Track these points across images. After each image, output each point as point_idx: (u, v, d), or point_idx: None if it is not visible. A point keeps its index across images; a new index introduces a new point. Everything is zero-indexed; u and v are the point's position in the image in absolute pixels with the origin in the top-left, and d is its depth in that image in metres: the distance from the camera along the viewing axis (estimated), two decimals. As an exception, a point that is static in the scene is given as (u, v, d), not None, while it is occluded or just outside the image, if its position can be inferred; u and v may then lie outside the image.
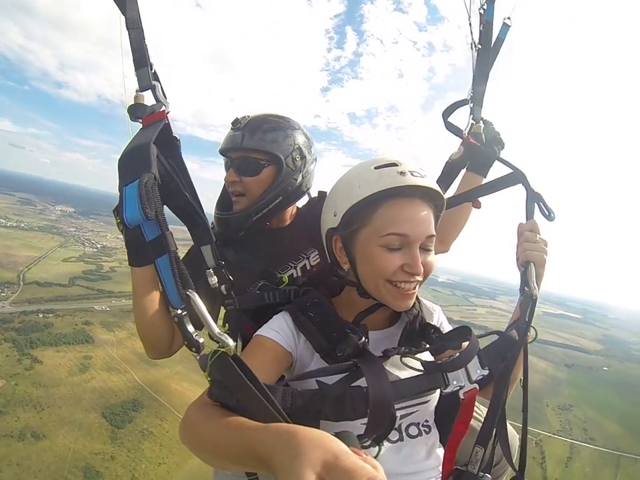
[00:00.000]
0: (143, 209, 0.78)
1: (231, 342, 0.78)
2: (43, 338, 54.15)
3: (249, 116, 1.65)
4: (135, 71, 1.07)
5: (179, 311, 0.82)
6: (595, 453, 53.09)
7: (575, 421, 59.92)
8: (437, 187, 1.11)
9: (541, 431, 54.01)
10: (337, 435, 0.66)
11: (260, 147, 1.59)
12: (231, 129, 1.64)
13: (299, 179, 1.67)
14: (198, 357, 0.81)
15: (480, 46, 1.61)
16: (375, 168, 1.12)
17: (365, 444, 0.96)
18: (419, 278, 1.10)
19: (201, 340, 0.82)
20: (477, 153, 1.62)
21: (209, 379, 0.82)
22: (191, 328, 0.83)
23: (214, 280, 1.38)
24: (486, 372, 1.06)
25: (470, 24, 1.63)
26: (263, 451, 0.66)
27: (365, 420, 0.93)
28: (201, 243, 1.37)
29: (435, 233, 1.11)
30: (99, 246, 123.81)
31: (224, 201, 1.76)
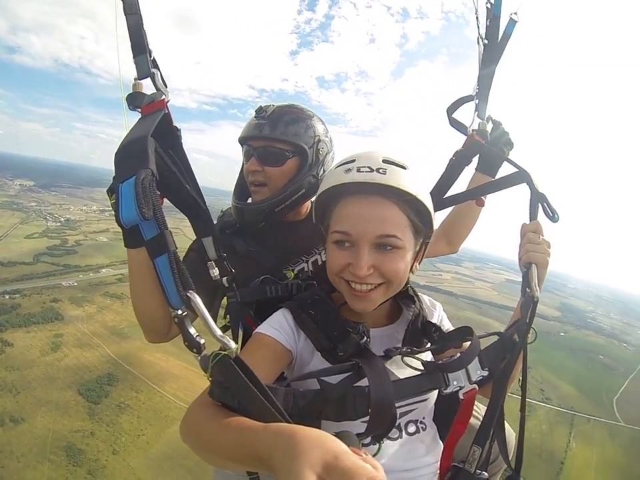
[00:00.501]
0: (139, 209, 0.74)
1: (232, 345, 0.77)
2: (12, 320, 52.43)
3: (273, 105, 1.63)
4: (134, 57, 1.04)
5: (179, 312, 0.80)
6: (551, 412, 56.72)
7: (532, 382, 63.29)
8: (387, 181, 1.02)
9: (500, 392, 57.32)
10: (337, 434, 0.67)
11: (286, 137, 1.58)
12: (255, 117, 1.62)
13: (321, 172, 1.66)
14: (199, 358, 0.80)
15: (486, 41, 1.55)
16: (335, 167, 1.12)
17: (365, 442, 0.99)
18: (373, 280, 1.07)
19: (202, 341, 0.81)
20: (483, 150, 1.58)
21: (210, 379, 0.82)
22: (192, 330, 0.81)
23: (215, 272, 1.40)
24: (486, 373, 1.08)
25: (477, 18, 1.57)
26: (263, 451, 0.66)
27: (366, 419, 0.94)
28: (202, 234, 1.38)
29: (393, 233, 1.04)
30: (62, 219, 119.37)
31: (242, 190, 1.75)
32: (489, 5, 1.53)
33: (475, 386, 1.07)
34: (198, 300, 0.79)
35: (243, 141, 1.67)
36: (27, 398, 37.90)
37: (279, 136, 1.57)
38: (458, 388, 1.05)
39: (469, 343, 1.12)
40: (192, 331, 0.81)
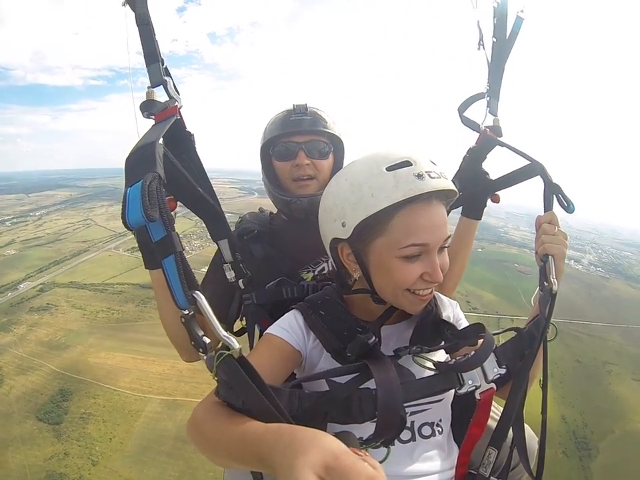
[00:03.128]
0: (144, 211, 0.73)
1: (236, 344, 0.77)
2: (-60, 371, 47.13)
3: (305, 103, 1.70)
4: (147, 66, 1.07)
5: (186, 312, 0.80)
6: (479, 319, 63.69)
7: (458, 297, 66.27)
8: (453, 186, 1.04)
9: (433, 310, 62.79)
10: (336, 435, 0.66)
11: (331, 130, 1.69)
12: (295, 113, 1.67)
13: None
14: (205, 357, 0.81)
15: (495, 39, 1.55)
16: (387, 169, 1.01)
17: (374, 446, 0.94)
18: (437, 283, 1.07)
19: (207, 340, 0.80)
20: (496, 145, 1.55)
21: (215, 378, 0.82)
22: (199, 331, 0.81)
23: (231, 274, 1.44)
24: (503, 371, 1.04)
25: (478, 22, 1.57)
26: (264, 451, 0.66)
27: (373, 421, 0.91)
28: (217, 237, 1.38)
29: (450, 234, 1.07)
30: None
31: (281, 184, 1.75)
32: (495, 4, 1.53)
33: (493, 385, 1.03)
34: (203, 300, 0.79)
35: (280, 137, 1.68)
36: (-10, 444, 35.97)
37: (325, 129, 1.68)
38: (474, 387, 1.01)
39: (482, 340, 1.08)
40: (199, 332, 0.81)
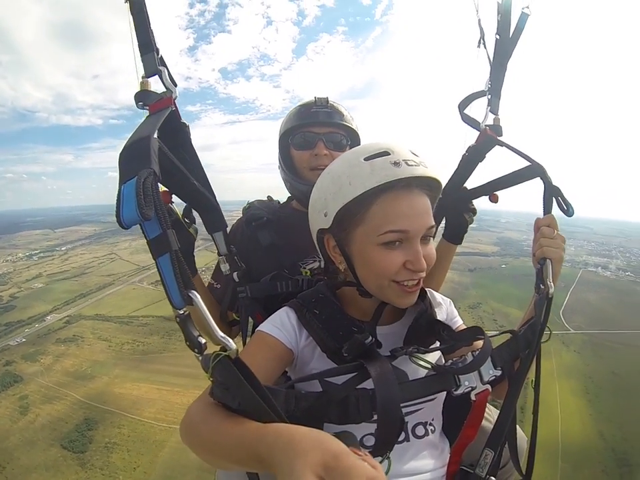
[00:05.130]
0: (139, 210, 0.70)
1: (233, 345, 0.75)
2: (-30, 398, 48.19)
3: (326, 96, 1.74)
4: (141, 56, 1.05)
5: (182, 312, 0.76)
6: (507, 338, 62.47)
7: (485, 316, 67.80)
8: (435, 175, 1.04)
9: (459, 332, 61.19)
10: (336, 435, 0.66)
11: (349, 124, 1.73)
12: (316, 105, 1.71)
13: None
14: (200, 358, 0.78)
15: (498, 36, 1.51)
16: (364, 159, 1.02)
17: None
18: (422, 274, 1.05)
19: (203, 341, 0.77)
20: (496, 145, 1.51)
21: (211, 379, 0.80)
22: (195, 331, 0.77)
23: (226, 267, 1.45)
24: (499, 372, 1.05)
25: (479, 21, 1.54)
26: (263, 451, 0.66)
27: (368, 423, 0.91)
28: (212, 229, 1.40)
29: (433, 223, 1.06)
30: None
31: (297, 172, 1.77)
32: (499, 0, 1.50)
33: (488, 386, 1.05)
34: (199, 299, 0.76)
35: (300, 127, 1.73)
36: (15, 470, 36.18)
37: (344, 122, 1.73)
38: (469, 389, 1.03)
39: (479, 341, 1.08)
40: (195, 332, 0.78)
